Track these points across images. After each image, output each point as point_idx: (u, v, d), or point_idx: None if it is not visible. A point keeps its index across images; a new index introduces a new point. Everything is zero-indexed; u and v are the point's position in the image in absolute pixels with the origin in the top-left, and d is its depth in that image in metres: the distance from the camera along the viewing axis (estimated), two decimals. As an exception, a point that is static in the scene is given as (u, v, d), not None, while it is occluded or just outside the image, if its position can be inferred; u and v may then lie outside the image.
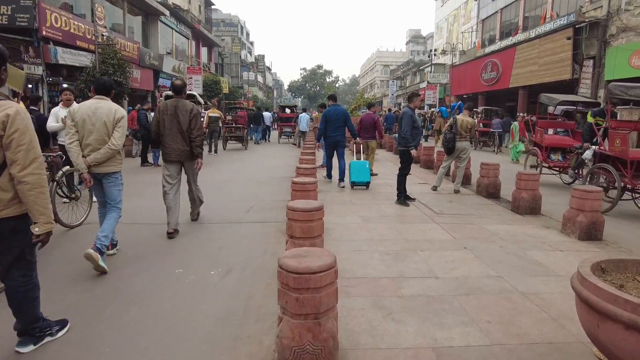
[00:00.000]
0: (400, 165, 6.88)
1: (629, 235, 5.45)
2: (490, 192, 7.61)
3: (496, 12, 25.90)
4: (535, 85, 21.16)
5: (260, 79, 62.04)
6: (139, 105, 12.47)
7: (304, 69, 65.62)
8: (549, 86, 20.69)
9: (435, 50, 39.29)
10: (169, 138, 4.93)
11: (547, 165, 9.36)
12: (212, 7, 45.87)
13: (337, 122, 8.14)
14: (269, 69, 73.67)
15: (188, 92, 14.30)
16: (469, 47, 30.60)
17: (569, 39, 17.77)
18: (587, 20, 17.18)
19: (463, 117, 7.77)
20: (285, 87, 78.28)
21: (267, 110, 28.38)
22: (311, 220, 3.53)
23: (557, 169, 9.42)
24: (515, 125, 12.64)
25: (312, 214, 3.54)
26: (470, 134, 7.79)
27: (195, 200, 5.56)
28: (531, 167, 9.98)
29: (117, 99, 14.21)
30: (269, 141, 22.86)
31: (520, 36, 22.49)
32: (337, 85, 72.14)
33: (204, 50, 35.28)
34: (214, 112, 16.11)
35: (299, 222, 3.53)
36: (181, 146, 4.96)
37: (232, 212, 6.31)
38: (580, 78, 17.96)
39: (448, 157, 8.01)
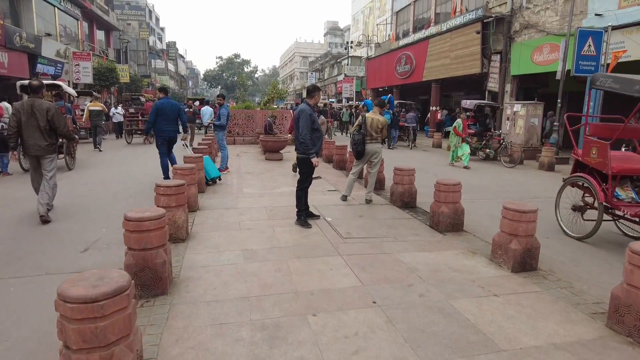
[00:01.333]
0: (299, 177, 5.48)
1: (567, 261, 4.57)
2: (406, 201, 6.52)
3: (409, 4, 25.69)
4: (447, 79, 21.18)
5: (171, 67, 57.44)
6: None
7: (220, 57, 61.97)
8: (460, 80, 20.81)
9: (351, 42, 38.83)
10: (26, 134, 5.30)
11: (614, 210, 5.07)
12: (112, -14, 40.93)
13: (171, 116, 7.62)
14: (182, 56, 68.71)
15: (52, 82, 12.03)
16: (384, 40, 30.34)
17: (478, 32, 17.73)
18: (493, 16, 17.21)
19: (373, 115, 6.55)
20: (202, 76, 73.80)
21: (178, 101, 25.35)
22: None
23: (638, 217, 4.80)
24: (458, 122, 11.84)
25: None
26: (382, 135, 6.62)
27: (44, 195, 5.48)
28: (575, 210, 5.56)
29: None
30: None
31: (433, 29, 22.38)
32: (256, 75, 69.48)
33: (100, 34, 31.06)
34: (96, 105, 14.66)
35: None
36: (39, 142, 5.36)
37: (58, 252, 4.43)
38: (489, 72, 18.08)
39: (358, 161, 6.77)
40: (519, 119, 14.17)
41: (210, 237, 4.86)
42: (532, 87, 17.98)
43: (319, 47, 63.84)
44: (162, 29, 67.16)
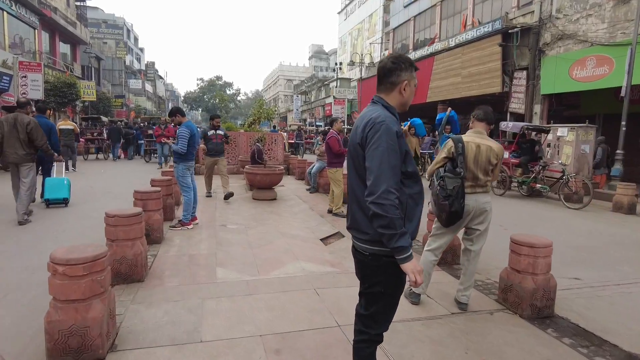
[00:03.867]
0: (369, 306, 2.08)
1: None
2: (538, 306, 3.26)
3: (408, 19, 23.16)
4: (457, 99, 18.40)
5: (149, 88, 53.85)
6: None
7: (201, 79, 58.60)
8: (472, 101, 18.06)
9: (340, 63, 36.32)
10: (7, 144, 5.85)
11: None
12: (85, 2, 37.56)
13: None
14: (161, 77, 65.14)
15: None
16: (379, 59, 27.74)
17: (501, 45, 15.03)
18: (518, 26, 14.58)
19: (478, 139, 3.31)
20: (182, 98, 70.31)
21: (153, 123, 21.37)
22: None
23: None
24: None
25: None
26: (494, 176, 3.36)
27: (22, 201, 5.85)
28: None
29: None
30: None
31: (438, 45, 19.73)
32: (238, 98, 66.36)
33: (64, 47, 27.44)
34: (67, 124, 13.28)
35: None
36: (18, 151, 5.89)
37: None
38: (510, 92, 15.33)
39: (444, 230, 3.43)
40: (566, 145, 11.24)
41: None
42: (556, 108, 15.29)
43: (304, 71, 61.48)
44: (142, 50, 63.71)
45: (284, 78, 61.72)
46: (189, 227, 5.77)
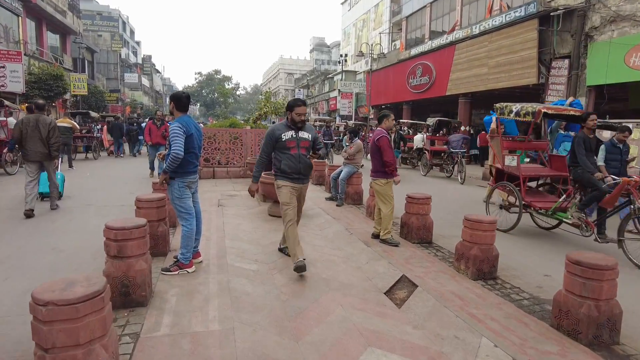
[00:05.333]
0: None
1: None
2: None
3: (424, 6, 21.26)
4: (481, 92, 16.61)
5: (146, 82, 51.74)
6: None
7: (199, 73, 56.25)
8: (497, 94, 16.28)
9: (345, 55, 34.40)
10: (30, 143, 6.26)
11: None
12: (79, -10, 35.45)
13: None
14: (158, 71, 62.81)
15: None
16: (389, 50, 25.86)
17: (542, 29, 13.20)
18: (561, 8, 12.75)
19: None
20: (180, 93, 67.96)
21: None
22: None
23: None
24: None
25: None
26: None
27: (54, 192, 6.77)
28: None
29: None
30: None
31: (459, 33, 17.89)
32: (238, 93, 64.19)
33: (53, 38, 25.40)
34: (65, 122, 12.72)
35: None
36: (42, 149, 6.33)
37: None
38: (547, 83, 13.54)
39: None
40: (632, 145, 9.49)
41: None
42: (599, 102, 13.50)
43: (305, 64, 59.36)
44: (138, 43, 61.34)
45: (285, 71, 59.62)
46: (190, 269, 3.98)
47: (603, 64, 11.77)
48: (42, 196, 7.27)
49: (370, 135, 10.90)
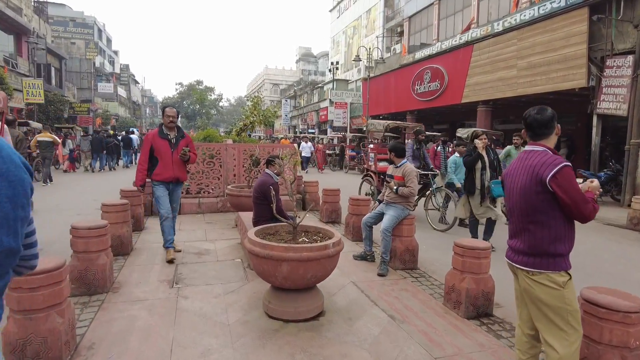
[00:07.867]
0: None
1: None
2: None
3: (431, 4, 18.61)
4: (505, 99, 13.90)
5: (122, 92, 48.02)
6: None
7: (180, 83, 52.77)
8: (525, 101, 13.60)
9: (337, 63, 31.69)
10: None
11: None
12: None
13: None
14: (137, 82, 58.99)
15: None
16: (387, 55, 23.15)
17: (599, 19, 10.53)
18: (619, -7, 10.11)
19: None
20: (160, 104, 64.27)
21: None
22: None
23: None
24: None
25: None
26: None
27: None
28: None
29: None
30: None
31: (477, 32, 15.22)
32: (221, 104, 60.77)
33: (5, 38, 21.80)
34: (46, 136, 12.15)
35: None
36: None
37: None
38: (600, 86, 10.85)
39: None
40: None
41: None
42: None
43: (291, 74, 56.57)
44: (116, 52, 57.49)
45: (270, 82, 56.68)
46: None
47: (686, 60, 9.12)
48: None
49: (413, 151, 7.61)
